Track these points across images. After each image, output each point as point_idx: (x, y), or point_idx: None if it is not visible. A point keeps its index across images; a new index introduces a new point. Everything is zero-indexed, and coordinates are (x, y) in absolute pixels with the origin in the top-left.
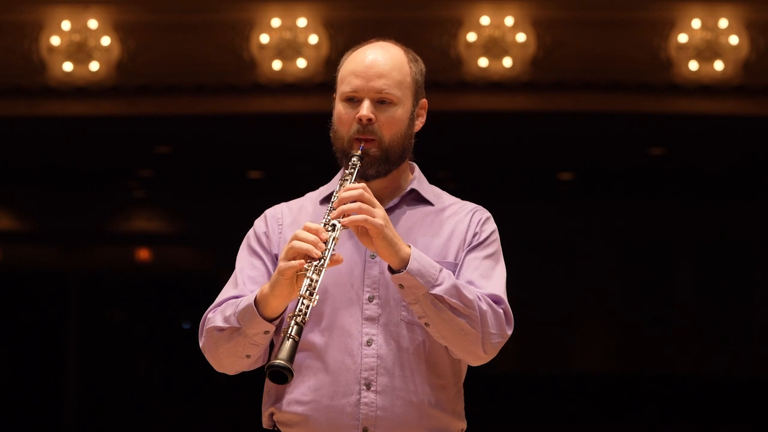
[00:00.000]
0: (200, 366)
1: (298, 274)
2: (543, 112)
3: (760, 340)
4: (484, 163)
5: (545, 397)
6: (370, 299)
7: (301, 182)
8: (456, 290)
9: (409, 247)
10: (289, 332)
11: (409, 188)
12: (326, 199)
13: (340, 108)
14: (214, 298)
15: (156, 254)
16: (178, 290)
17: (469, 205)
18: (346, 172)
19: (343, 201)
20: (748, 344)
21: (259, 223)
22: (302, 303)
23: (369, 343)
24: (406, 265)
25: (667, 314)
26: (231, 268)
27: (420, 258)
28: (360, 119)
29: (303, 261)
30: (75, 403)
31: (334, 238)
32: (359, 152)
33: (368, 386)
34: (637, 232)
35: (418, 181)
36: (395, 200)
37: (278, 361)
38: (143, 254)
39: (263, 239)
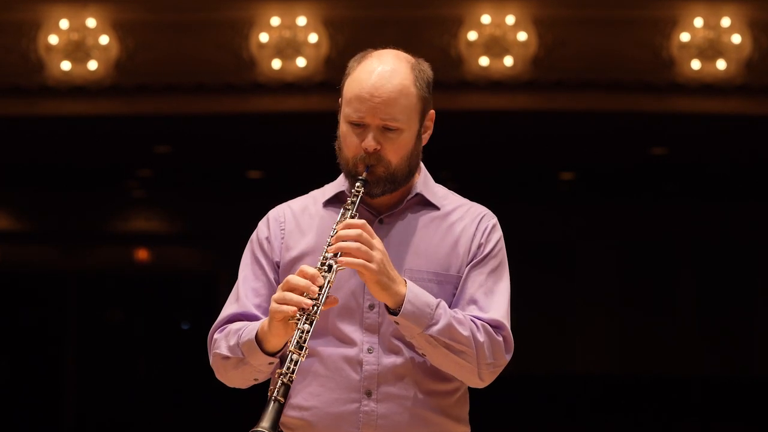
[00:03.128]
0: (200, 366)
1: (290, 322)
2: (544, 112)
3: (761, 340)
4: (484, 162)
5: (546, 398)
6: (371, 307)
7: (301, 182)
8: (450, 329)
9: (405, 284)
10: (275, 394)
11: (414, 192)
12: (330, 202)
13: (344, 129)
14: (214, 299)
15: (155, 254)
16: (177, 290)
17: (476, 209)
18: (349, 200)
19: (341, 239)
20: (750, 345)
21: (261, 227)
22: (290, 359)
23: (370, 351)
24: (402, 306)
25: (668, 315)
26: (231, 268)
27: (415, 298)
28: (365, 149)
29: (294, 311)
30: (75, 402)
31: (329, 282)
32: (364, 175)
33: (369, 394)
34: (639, 232)
35: (423, 183)
36: (399, 206)
37: (260, 429)
38: (142, 254)
39: (265, 245)
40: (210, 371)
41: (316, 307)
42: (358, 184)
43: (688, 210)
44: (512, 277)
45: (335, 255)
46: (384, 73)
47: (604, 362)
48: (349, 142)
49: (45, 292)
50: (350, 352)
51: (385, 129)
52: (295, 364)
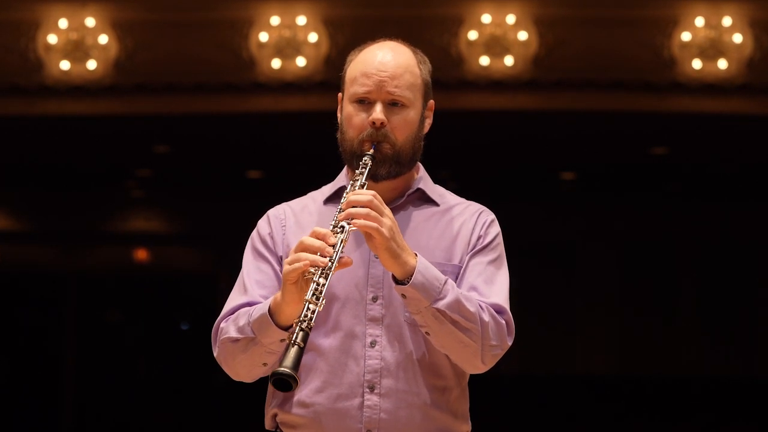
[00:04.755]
0: (199, 367)
1: (306, 278)
2: (545, 112)
3: (764, 340)
4: (485, 162)
5: (548, 398)
6: (374, 299)
7: (300, 182)
8: (458, 304)
9: (416, 256)
10: (294, 339)
11: (414, 187)
12: (330, 199)
13: (350, 109)
14: (214, 299)
15: (155, 254)
16: (176, 291)
17: (474, 206)
18: (357, 171)
19: (352, 204)
20: (752, 345)
21: (262, 224)
22: (308, 308)
23: (373, 345)
24: (410, 277)
25: (670, 315)
26: (230, 268)
27: (425, 270)
28: (373, 122)
29: (308, 263)
30: (74, 403)
31: (342, 241)
32: (371, 151)
33: (372, 389)
34: (640, 232)
35: (423, 180)
36: (400, 200)
37: (283, 368)
38: (142, 254)
39: (268, 240)
40: (210, 371)
41: (330, 263)
42: (365, 158)
43: (689, 210)
44: (512, 278)
45: (346, 220)
46: (388, 53)
47: (604, 362)
48: (355, 121)
49: (44, 292)
50: (353, 345)
51: (392, 105)
52: (313, 313)
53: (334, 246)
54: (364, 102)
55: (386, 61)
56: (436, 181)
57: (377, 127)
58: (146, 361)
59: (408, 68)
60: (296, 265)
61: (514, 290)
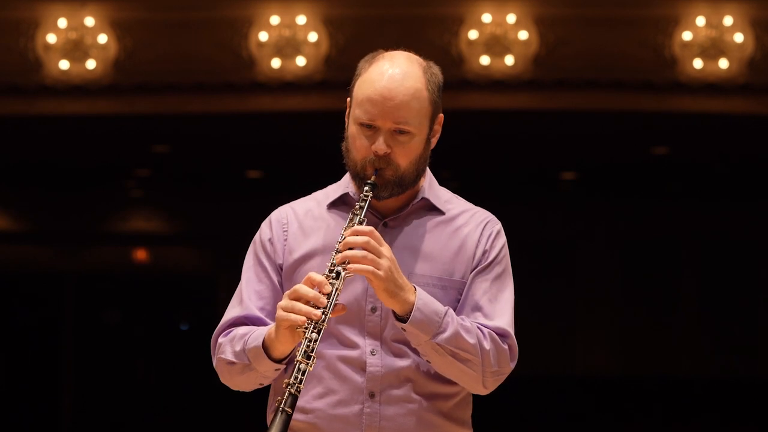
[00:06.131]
0: (199, 367)
1: (297, 330)
2: (545, 111)
3: (765, 341)
4: (485, 162)
5: (548, 399)
6: (373, 310)
7: (301, 182)
8: (457, 338)
9: (415, 292)
10: (282, 405)
11: (419, 197)
12: (334, 204)
13: (354, 130)
14: (213, 300)
15: (154, 254)
16: (176, 291)
17: (480, 215)
18: (356, 205)
19: (349, 245)
20: (754, 345)
21: (264, 228)
22: (298, 369)
23: (373, 353)
24: (410, 314)
25: (671, 315)
26: (230, 268)
27: (424, 307)
28: (376, 152)
29: (303, 319)
30: (72, 405)
31: (337, 289)
32: (373, 178)
33: (372, 396)
34: (641, 232)
35: (429, 187)
36: (404, 209)
37: None
38: (141, 254)
39: (268, 247)
40: (209, 373)
41: (324, 316)
42: (366, 188)
43: (690, 209)
44: (513, 278)
45: (343, 263)
46: (396, 75)
47: (606, 363)
48: (358, 145)
49: (42, 292)
50: (353, 354)
51: (396, 132)
52: (303, 374)
53: (329, 295)
54: (369, 127)
55: (393, 87)
56: (437, 181)
57: (380, 156)
58: (145, 363)
59: (415, 94)
60: (291, 316)
61: (515, 290)
